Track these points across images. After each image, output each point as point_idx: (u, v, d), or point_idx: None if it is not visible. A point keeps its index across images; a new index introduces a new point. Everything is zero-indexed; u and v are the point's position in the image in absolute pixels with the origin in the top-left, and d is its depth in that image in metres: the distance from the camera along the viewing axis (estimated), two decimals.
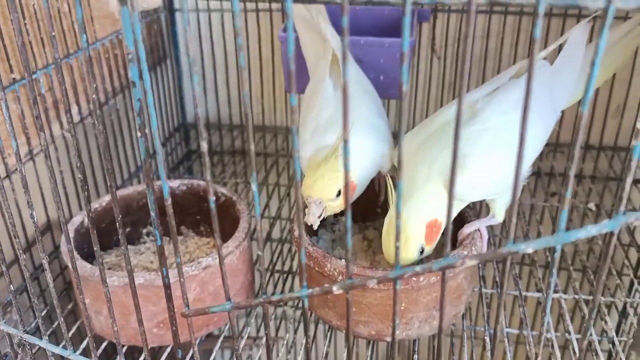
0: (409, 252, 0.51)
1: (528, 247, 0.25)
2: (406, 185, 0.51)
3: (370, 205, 0.66)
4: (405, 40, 0.22)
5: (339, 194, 0.52)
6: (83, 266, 0.54)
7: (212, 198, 0.28)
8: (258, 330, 0.90)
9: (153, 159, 0.79)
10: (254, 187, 0.28)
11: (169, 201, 0.29)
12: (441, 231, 0.52)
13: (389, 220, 0.52)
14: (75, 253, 0.54)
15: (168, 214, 0.29)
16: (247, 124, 0.26)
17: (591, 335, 0.57)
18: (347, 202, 0.26)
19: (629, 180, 0.23)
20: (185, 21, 0.25)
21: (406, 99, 0.24)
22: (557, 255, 0.26)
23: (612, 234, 0.25)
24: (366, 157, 0.55)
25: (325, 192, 0.52)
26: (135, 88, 0.27)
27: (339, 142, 0.52)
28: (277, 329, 0.80)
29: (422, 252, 0.51)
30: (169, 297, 0.33)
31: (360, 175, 0.55)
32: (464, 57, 0.22)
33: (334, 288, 0.28)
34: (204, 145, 0.27)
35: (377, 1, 0.22)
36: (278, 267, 0.76)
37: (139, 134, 0.28)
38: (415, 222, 0.50)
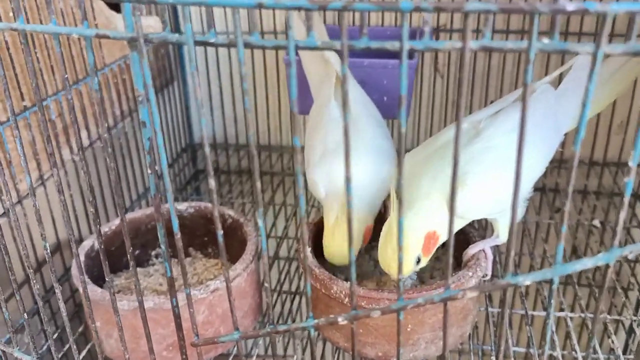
0: (405, 262, 0.51)
1: (526, 280, 0.26)
2: (407, 197, 0.52)
3: (377, 225, 0.66)
4: (403, 86, 0.23)
5: (418, 261, 0.52)
6: (94, 290, 0.55)
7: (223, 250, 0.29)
8: (266, 350, 0.90)
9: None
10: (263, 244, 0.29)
11: (179, 242, 0.30)
12: (438, 244, 0.52)
13: (386, 229, 0.53)
14: (86, 277, 0.55)
15: (181, 263, 0.30)
16: (253, 170, 0.27)
17: (597, 354, 0.58)
18: (350, 253, 0.27)
19: (621, 219, 0.24)
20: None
21: (403, 140, 0.25)
22: (555, 287, 0.27)
23: (607, 266, 0.26)
24: (374, 182, 0.57)
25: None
26: (145, 128, 0.28)
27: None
28: (286, 348, 0.81)
29: (418, 262, 0.52)
30: (179, 327, 0.34)
31: (373, 203, 0.58)
32: (459, 101, 0.23)
33: (339, 319, 0.29)
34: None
35: (375, 47, 0.23)
36: (286, 286, 0.76)
37: (149, 171, 0.29)
38: (414, 233, 0.51)
